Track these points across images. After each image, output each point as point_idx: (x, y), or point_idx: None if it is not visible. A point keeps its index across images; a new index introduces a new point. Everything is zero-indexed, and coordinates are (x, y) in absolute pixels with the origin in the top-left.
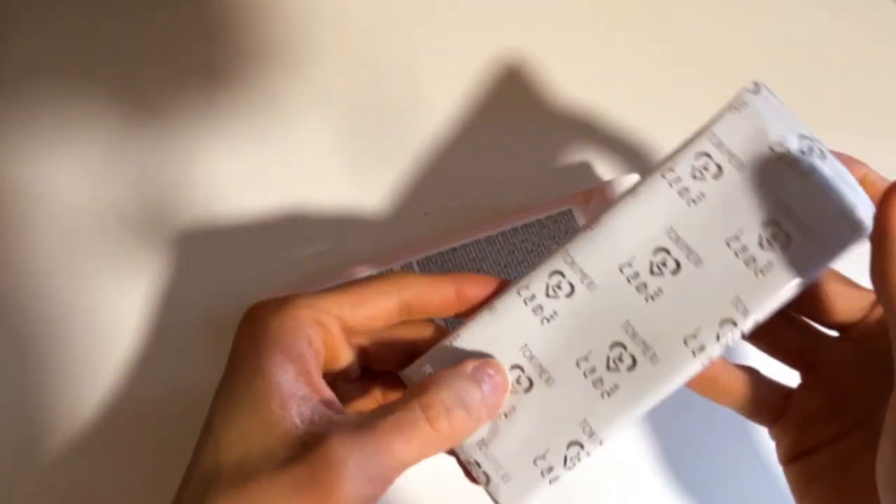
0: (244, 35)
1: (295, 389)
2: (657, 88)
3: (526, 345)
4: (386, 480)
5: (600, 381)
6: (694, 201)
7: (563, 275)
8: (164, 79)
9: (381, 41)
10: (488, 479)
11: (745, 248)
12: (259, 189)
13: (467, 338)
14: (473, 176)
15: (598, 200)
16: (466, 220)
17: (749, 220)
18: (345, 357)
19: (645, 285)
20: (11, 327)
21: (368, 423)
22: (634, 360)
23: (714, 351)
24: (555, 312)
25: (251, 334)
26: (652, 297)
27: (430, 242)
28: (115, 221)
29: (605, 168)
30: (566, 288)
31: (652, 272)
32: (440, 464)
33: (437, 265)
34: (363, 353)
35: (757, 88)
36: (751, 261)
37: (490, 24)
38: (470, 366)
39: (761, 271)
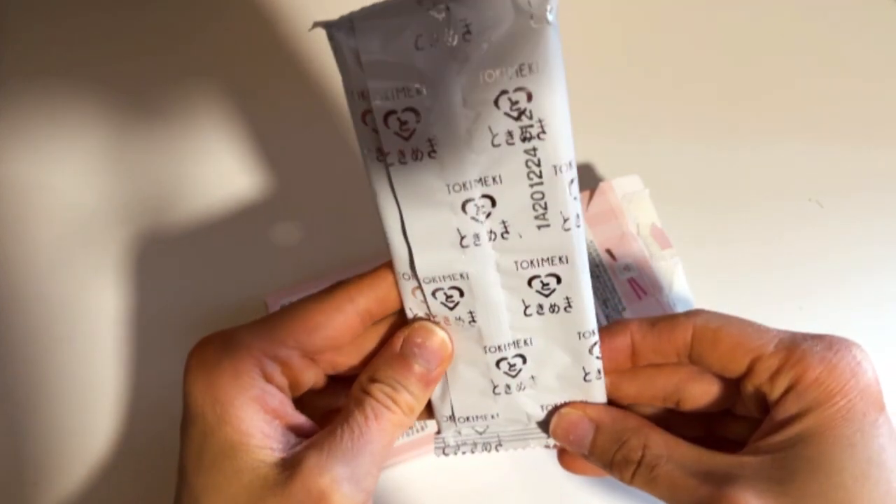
0: (244, 35)
1: (265, 429)
2: (657, 88)
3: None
4: (370, 475)
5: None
6: None
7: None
8: (163, 78)
9: None
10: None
11: None
12: (257, 188)
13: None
14: None
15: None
16: None
17: None
18: (310, 378)
19: None
20: (9, 326)
21: (335, 431)
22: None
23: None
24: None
25: (207, 379)
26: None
27: None
28: (114, 220)
29: (605, 168)
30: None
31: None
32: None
33: None
34: (332, 366)
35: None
36: None
37: None
38: (398, 342)
39: None
